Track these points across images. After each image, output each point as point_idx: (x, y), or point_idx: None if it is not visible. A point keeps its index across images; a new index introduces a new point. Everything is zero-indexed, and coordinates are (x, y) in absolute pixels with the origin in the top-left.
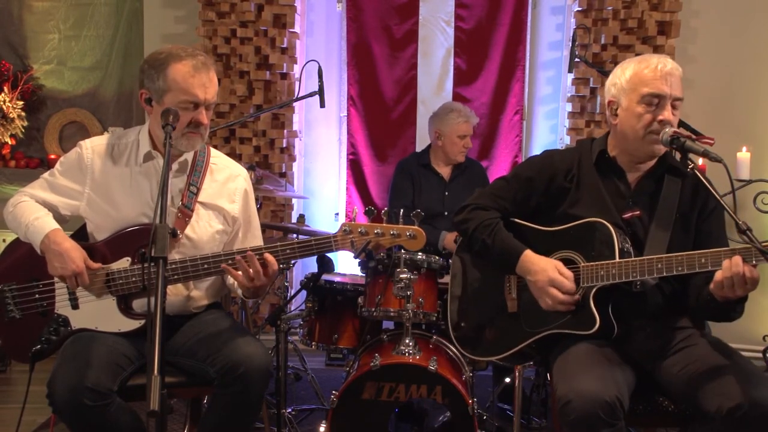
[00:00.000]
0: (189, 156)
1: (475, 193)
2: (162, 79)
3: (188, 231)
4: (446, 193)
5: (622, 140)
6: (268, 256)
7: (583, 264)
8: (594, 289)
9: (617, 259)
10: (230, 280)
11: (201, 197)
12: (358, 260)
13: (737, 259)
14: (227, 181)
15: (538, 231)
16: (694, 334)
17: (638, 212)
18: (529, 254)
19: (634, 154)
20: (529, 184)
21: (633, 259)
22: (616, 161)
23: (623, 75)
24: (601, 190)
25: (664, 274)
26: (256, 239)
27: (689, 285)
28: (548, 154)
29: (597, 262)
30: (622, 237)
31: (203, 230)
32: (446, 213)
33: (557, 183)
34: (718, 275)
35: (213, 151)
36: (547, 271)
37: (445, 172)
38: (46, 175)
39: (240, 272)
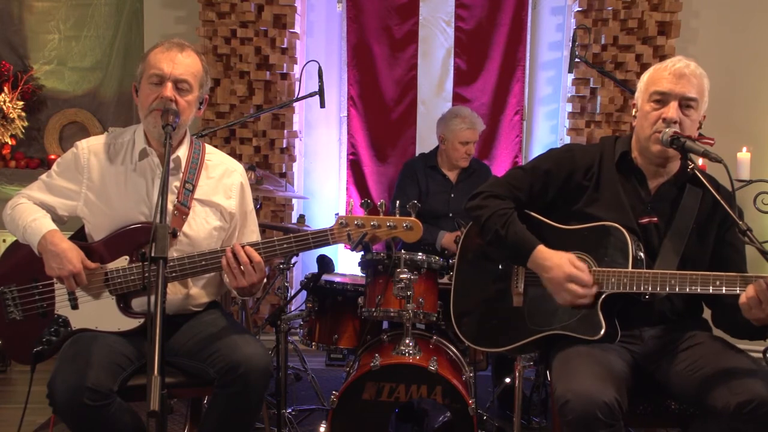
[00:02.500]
0: (183, 153)
1: (490, 180)
2: (142, 64)
3: (185, 228)
4: (452, 195)
5: (637, 141)
6: (249, 250)
7: (594, 268)
8: (603, 296)
9: (630, 268)
10: (227, 278)
11: (197, 194)
12: (357, 255)
13: (760, 282)
14: (223, 177)
15: (551, 227)
16: (698, 333)
17: (655, 219)
18: (542, 249)
19: (646, 155)
20: (547, 177)
21: (647, 270)
22: (637, 164)
23: (643, 78)
24: (620, 193)
25: (677, 290)
26: (254, 234)
27: (716, 311)
28: (569, 148)
29: (609, 269)
30: (637, 244)
31: (200, 227)
32: (451, 215)
33: (575, 180)
34: (742, 298)
35: (208, 148)
36: (562, 266)
37: (451, 174)
38: (43, 176)
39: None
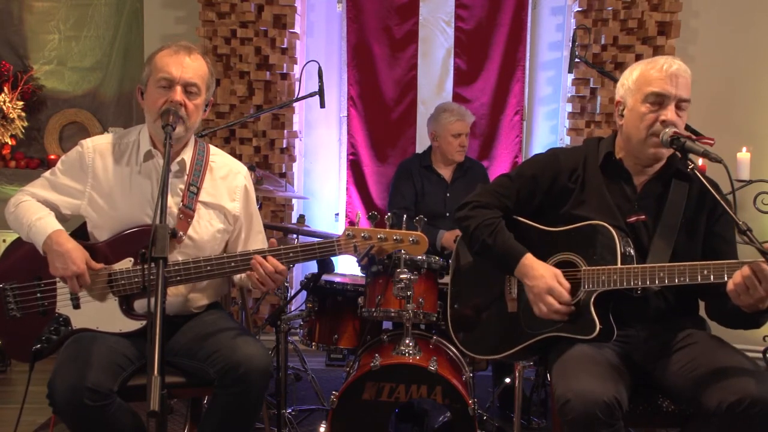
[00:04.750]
0: (188, 156)
1: (477, 189)
2: (148, 66)
3: (190, 231)
4: (448, 194)
5: (627, 142)
6: (274, 261)
7: (584, 268)
8: (595, 294)
9: (619, 265)
10: (250, 284)
11: (201, 197)
12: (360, 265)
13: (745, 268)
14: (227, 179)
15: (540, 231)
16: (695, 332)
17: (643, 216)
18: (529, 258)
19: (638, 156)
20: (533, 183)
21: (635, 265)
22: (623, 164)
23: (630, 76)
24: (605, 193)
25: (666, 283)
26: (260, 235)
27: (709, 303)
28: (553, 153)
29: (598, 267)
30: (625, 241)
31: (204, 230)
32: (448, 214)
33: (561, 183)
34: (729, 285)
35: (212, 149)
36: (545, 278)
37: (446, 173)
38: (47, 174)
39: (255, 275)
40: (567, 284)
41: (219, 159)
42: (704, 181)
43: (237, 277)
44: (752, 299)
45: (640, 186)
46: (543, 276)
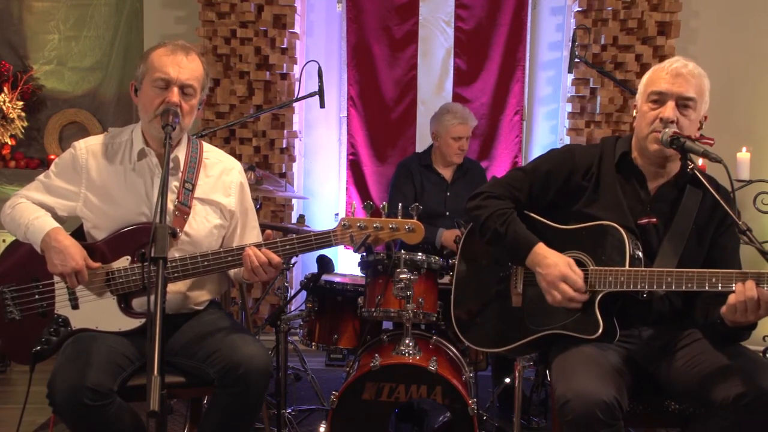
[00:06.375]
0: (181, 153)
1: (490, 181)
2: (143, 64)
3: (186, 227)
4: (448, 194)
5: (637, 141)
6: (267, 252)
7: (592, 267)
8: (600, 294)
9: (627, 267)
10: (245, 274)
11: (197, 193)
12: (357, 255)
13: (750, 283)
14: (221, 175)
15: (549, 227)
16: (696, 331)
17: (654, 219)
18: (542, 247)
19: (647, 155)
20: (547, 178)
21: (643, 269)
22: (638, 165)
23: (643, 80)
24: (618, 193)
25: (673, 288)
26: (255, 230)
27: (697, 303)
28: (569, 149)
29: (606, 268)
30: (634, 244)
31: (201, 225)
32: (447, 213)
33: (575, 180)
34: (731, 299)
35: (205, 146)
36: (559, 266)
37: (446, 173)
38: (41, 177)
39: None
40: (580, 272)
41: (213, 155)
42: (704, 180)
43: (232, 272)
44: (744, 319)
45: (654, 189)
46: (556, 264)
